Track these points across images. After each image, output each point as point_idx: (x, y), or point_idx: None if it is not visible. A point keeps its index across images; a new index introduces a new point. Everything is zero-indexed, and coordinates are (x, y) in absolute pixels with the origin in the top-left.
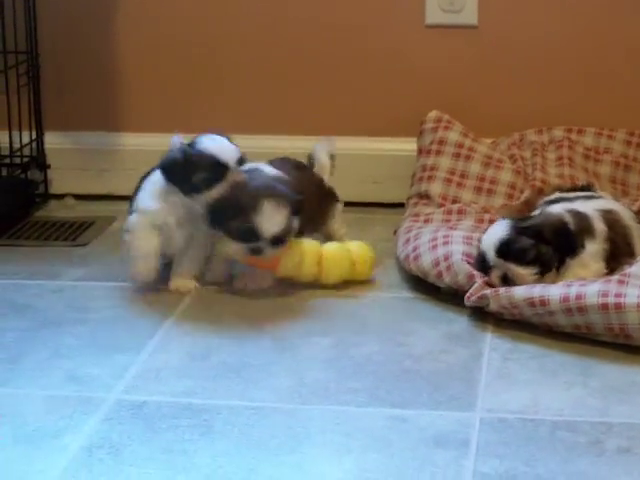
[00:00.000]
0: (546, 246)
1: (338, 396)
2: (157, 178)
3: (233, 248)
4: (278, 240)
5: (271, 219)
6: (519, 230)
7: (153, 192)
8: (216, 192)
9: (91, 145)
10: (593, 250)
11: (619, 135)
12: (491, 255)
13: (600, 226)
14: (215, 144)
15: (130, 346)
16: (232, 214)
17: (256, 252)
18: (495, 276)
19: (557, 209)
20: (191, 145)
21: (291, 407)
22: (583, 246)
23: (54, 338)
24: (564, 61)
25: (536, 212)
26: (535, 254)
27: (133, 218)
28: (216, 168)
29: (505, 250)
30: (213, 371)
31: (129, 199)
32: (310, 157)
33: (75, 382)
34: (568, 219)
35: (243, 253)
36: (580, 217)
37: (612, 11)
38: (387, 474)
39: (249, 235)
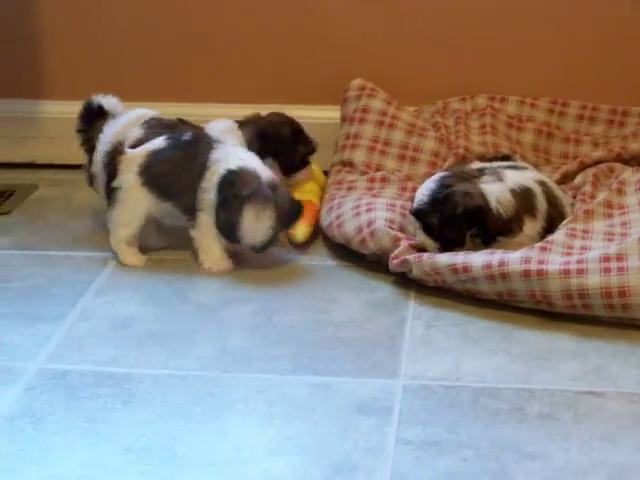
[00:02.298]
0: (453, 231)
1: (261, 364)
2: None
3: None
4: None
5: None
6: (438, 200)
7: None
8: None
9: (11, 113)
10: (532, 232)
11: (542, 103)
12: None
13: (542, 204)
14: None
15: (52, 315)
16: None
17: None
18: (413, 229)
19: (498, 189)
20: None
21: (214, 375)
22: (521, 228)
23: None
24: (488, 29)
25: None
26: (439, 233)
27: None
28: None
29: (417, 215)
30: (136, 339)
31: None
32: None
33: None
34: (504, 203)
35: None
36: (524, 195)
37: None
38: (310, 441)
39: None
